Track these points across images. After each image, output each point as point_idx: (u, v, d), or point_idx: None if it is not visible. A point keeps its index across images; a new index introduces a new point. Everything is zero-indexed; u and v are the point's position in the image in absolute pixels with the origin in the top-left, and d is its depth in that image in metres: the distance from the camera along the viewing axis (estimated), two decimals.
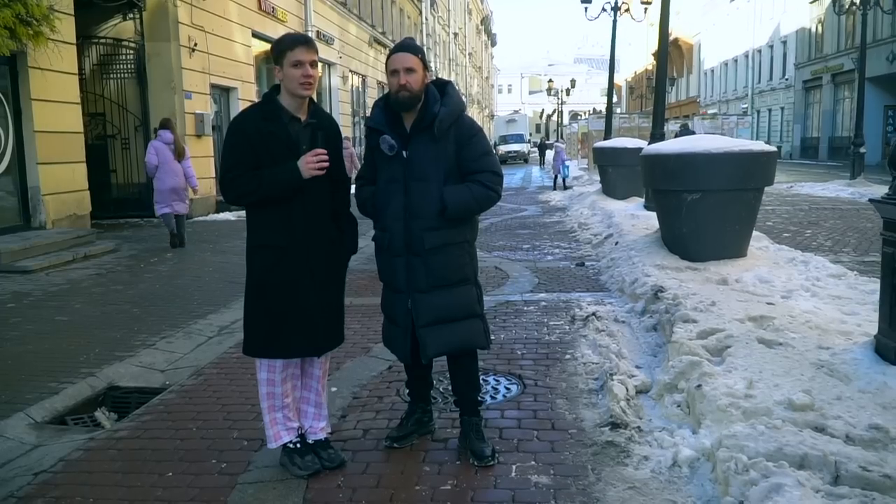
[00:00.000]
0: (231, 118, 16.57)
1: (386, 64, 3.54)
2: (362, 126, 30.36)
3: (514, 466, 3.56)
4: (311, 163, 3.32)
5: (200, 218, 15.30)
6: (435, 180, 3.46)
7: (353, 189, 3.79)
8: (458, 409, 3.84)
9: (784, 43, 46.84)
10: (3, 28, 9.48)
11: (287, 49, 3.34)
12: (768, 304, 5.70)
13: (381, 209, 3.62)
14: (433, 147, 3.45)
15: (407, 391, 4.09)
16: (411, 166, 3.48)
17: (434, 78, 3.63)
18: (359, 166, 3.68)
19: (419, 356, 3.62)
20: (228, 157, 3.43)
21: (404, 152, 3.49)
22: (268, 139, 3.35)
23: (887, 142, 33.60)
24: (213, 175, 16.37)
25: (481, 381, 4.67)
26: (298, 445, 3.62)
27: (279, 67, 3.37)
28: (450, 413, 4.15)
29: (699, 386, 3.92)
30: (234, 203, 3.46)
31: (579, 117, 66.16)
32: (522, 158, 49.36)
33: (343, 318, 3.71)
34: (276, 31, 19.51)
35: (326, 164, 3.37)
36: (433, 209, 3.46)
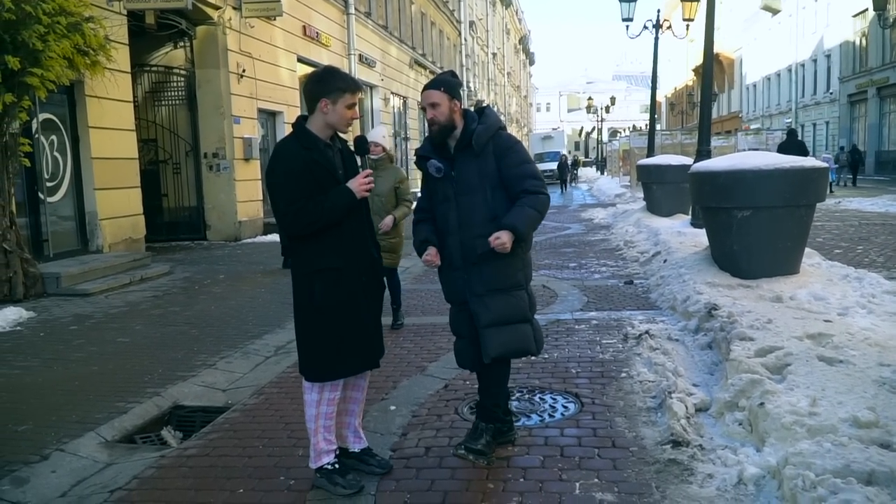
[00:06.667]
0: (277, 142, 17.04)
1: None
2: (405, 147, 30.67)
3: (577, 484, 3.60)
4: (363, 184, 3.53)
5: (249, 240, 15.60)
6: (480, 192, 3.72)
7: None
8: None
9: (828, 57, 46.23)
10: (62, 58, 9.80)
11: (348, 91, 3.53)
12: (825, 321, 5.66)
13: (440, 229, 3.87)
14: (475, 163, 3.72)
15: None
16: (459, 183, 3.75)
17: (474, 101, 3.83)
18: None
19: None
20: (286, 191, 3.47)
21: (452, 173, 3.76)
22: (313, 168, 3.49)
23: None
24: (261, 198, 16.68)
25: (538, 400, 4.80)
26: (337, 466, 3.71)
27: (329, 102, 3.50)
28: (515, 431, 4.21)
29: (762, 404, 3.92)
30: (300, 234, 3.51)
31: (619, 134, 65.88)
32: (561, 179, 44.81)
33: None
34: (321, 56, 19.91)
35: (373, 184, 3.60)
36: (481, 217, 3.71)
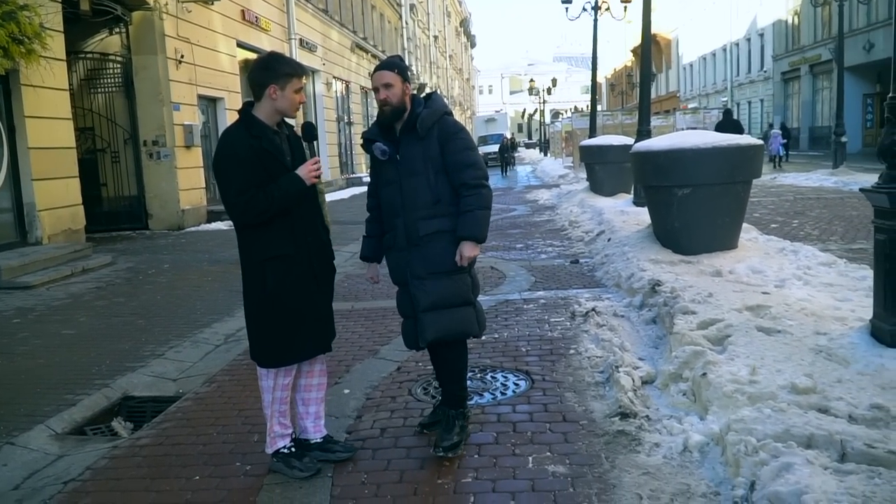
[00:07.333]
0: (219, 129, 16.70)
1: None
2: (349, 132, 30.46)
3: (530, 458, 3.70)
4: (312, 171, 3.54)
5: (192, 228, 15.36)
6: (423, 175, 3.73)
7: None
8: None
9: (761, 35, 47.30)
10: None
11: (295, 75, 3.54)
12: (763, 293, 5.87)
13: (385, 212, 3.90)
14: (420, 146, 3.73)
15: (435, 384, 4.25)
16: (403, 165, 3.76)
17: (417, 85, 3.86)
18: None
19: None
20: (235, 181, 3.44)
21: (397, 156, 3.78)
22: (262, 155, 3.48)
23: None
24: (204, 185, 16.43)
25: (490, 378, 4.89)
26: (293, 449, 3.75)
27: (277, 87, 3.48)
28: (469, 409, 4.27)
29: (704, 374, 4.07)
30: (250, 223, 3.51)
31: (561, 115, 66.32)
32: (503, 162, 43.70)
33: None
34: (261, 41, 19.64)
35: (321, 170, 3.61)
36: (425, 200, 3.73)
